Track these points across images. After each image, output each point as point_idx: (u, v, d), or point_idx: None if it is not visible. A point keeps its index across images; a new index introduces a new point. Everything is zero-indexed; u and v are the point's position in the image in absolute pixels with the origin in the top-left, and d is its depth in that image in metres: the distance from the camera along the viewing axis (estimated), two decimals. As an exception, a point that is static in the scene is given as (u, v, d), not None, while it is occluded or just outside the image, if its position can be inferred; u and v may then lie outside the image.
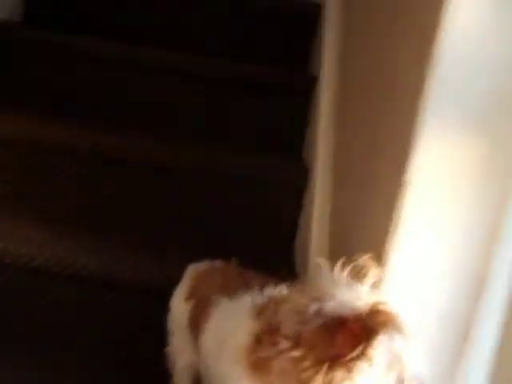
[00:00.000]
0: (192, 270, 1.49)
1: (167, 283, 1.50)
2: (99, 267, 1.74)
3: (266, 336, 0.97)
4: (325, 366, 0.89)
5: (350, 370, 0.89)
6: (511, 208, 1.07)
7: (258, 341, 0.98)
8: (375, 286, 0.99)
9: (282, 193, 2.03)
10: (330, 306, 0.93)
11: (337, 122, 1.94)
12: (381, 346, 0.89)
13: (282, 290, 1.12)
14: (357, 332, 0.89)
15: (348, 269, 0.98)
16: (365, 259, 1.00)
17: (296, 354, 0.91)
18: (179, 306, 1.43)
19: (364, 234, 1.36)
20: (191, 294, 1.40)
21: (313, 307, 0.94)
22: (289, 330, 0.94)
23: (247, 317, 1.06)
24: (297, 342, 0.92)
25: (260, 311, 1.05)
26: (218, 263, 1.47)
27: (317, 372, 0.89)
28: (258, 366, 0.97)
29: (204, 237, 1.99)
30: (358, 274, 0.98)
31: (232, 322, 1.12)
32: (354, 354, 0.87)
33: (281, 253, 2.00)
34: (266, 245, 1.99)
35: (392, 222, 1.12)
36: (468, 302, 1.12)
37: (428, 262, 1.11)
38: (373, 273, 0.99)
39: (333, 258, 1.00)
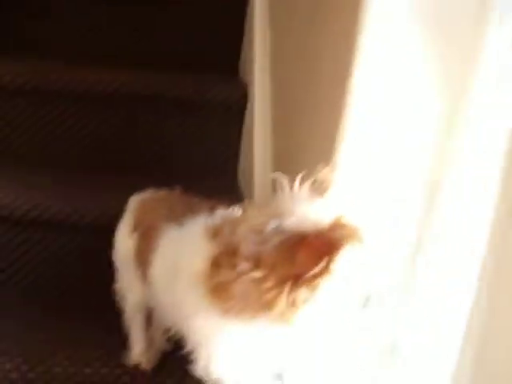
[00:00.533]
0: (134, 202, 1.42)
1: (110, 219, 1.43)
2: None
3: (224, 258, 0.91)
4: (287, 286, 0.85)
5: (313, 288, 0.85)
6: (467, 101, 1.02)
7: (216, 264, 0.92)
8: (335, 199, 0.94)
9: (221, 114, 1.95)
10: (290, 223, 0.88)
11: (273, 34, 1.84)
12: (344, 261, 0.85)
13: (235, 211, 1.05)
14: (319, 247, 0.84)
15: (308, 183, 0.92)
16: (325, 173, 0.94)
17: (257, 275, 0.86)
18: (124, 241, 1.36)
19: (309, 150, 1.30)
20: (135, 227, 1.33)
21: (271, 225, 0.88)
22: (248, 250, 0.88)
23: (201, 241, 0.99)
24: (257, 263, 0.86)
25: (215, 233, 0.98)
26: (161, 193, 1.41)
27: (280, 292, 0.85)
28: (218, 291, 0.91)
29: (144, 166, 1.91)
30: (318, 189, 0.93)
31: (184, 249, 1.06)
32: (317, 269, 0.83)
33: (224, 178, 1.94)
34: (208, 170, 1.93)
35: (338, 132, 1.06)
36: (421, 207, 1.10)
37: (378, 169, 1.07)
38: (334, 186, 0.94)
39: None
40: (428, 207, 1.08)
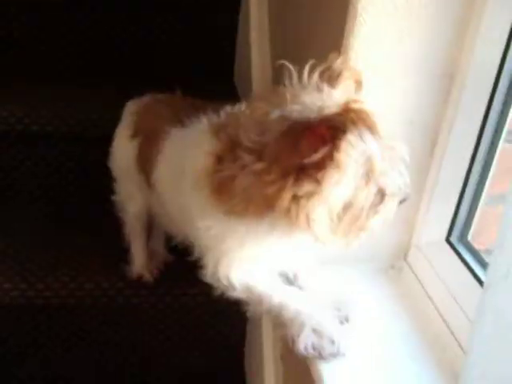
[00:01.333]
0: (132, 106, 1.35)
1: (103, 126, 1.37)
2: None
3: (227, 152, 0.85)
4: (290, 178, 0.78)
5: (317, 182, 0.78)
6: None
7: (220, 159, 0.87)
8: (349, 89, 0.87)
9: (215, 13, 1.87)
10: (295, 111, 0.81)
11: None
12: (351, 149, 0.78)
13: (240, 107, 0.98)
14: (323, 133, 0.76)
15: (318, 71, 0.85)
16: (340, 61, 0.87)
17: (259, 166, 0.80)
18: (124, 146, 1.30)
19: (312, 47, 1.23)
20: (136, 131, 1.27)
21: (275, 114, 0.82)
22: (249, 140, 0.82)
23: (204, 138, 0.93)
24: (259, 154, 0.80)
25: (218, 128, 0.92)
26: (160, 95, 1.33)
27: (283, 186, 0.79)
28: (221, 187, 0.86)
29: (138, 71, 1.84)
30: (329, 78, 0.86)
31: (188, 148, 1.00)
32: (320, 155, 0.76)
33: (221, 80, 1.86)
34: (206, 73, 1.85)
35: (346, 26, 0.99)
36: (437, 100, 1.05)
37: (392, 60, 1.00)
38: (348, 75, 0.87)
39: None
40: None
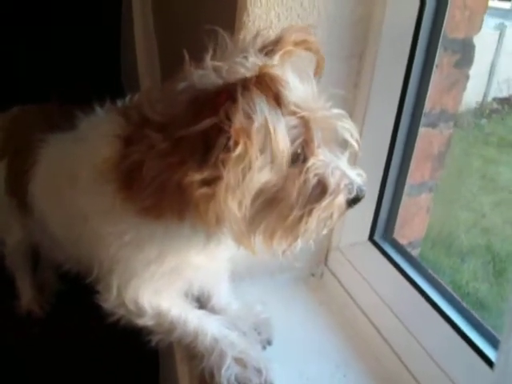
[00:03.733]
0: None
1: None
2: None
3: (135, 132, 0.71)
4: (194, 160, 0.64)
5: (222, 162, 0.63)
6: None
7: (128, 141, 0.72)
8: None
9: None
10: (202, 76, 0.69)
11: None
12: (243, 120, 0.62)
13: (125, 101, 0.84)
14: (221, 103, 0.62)
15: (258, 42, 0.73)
16: (284, 36, 0.73)
17: (163, 145, 0.66)
18: None
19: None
20: (3, 150, 1.11)
21: (182, 84, 0.69)
22: (157, 114, 0.69)
23: (107, 123, 0.78)
24: (167, 131, 0.66)
25: (126, 109, 0.78)
26: (29, 106, 1.18)
27: (188, 168, 0.64)
28: (131, 177, 0.70)
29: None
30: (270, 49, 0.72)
31: (83, 143, 0.84)
32: (203, 125, 0.62)
33: (107, 79, 1.74)
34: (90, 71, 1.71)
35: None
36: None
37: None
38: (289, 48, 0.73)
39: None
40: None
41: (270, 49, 0.73)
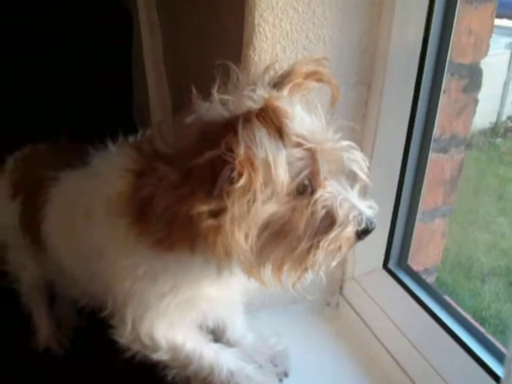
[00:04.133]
0: (11, 161, 1.20)
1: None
2: None
3: (146, 166, 0.72)
4: (202, 192, 0.64)
5: (227, 193, 0.63)
6: None
7: (140, 174, 0.73)
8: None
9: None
10: (210, 109, 0.70)
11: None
12: (247, 152, 0.62)
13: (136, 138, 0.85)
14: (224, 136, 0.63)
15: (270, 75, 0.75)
16: (295, 69, 0.74)
17: (173, 177, 0.67)
18: (4, 211, 1.15)
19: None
20: (17, 189, 1.12)
21: (191, 117, 0.71)
22: (166, 146, 0.70)
23: (119, 158, 0.79)
24: (178, 162, 0.67)
25: (138, 144, 0.78)
26: (41, 145, 1.20)
27: (196, 200, 0.64)
28: (143, 211, 0.71)
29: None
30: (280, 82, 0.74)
31: (96, 178, 0.85)
32: (205, 158, 0.63)
33: (120, 117, 1.75)
34: (103, 110, 1.73)
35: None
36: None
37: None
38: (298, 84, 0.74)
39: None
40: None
41: (279, 82, 0.74)
